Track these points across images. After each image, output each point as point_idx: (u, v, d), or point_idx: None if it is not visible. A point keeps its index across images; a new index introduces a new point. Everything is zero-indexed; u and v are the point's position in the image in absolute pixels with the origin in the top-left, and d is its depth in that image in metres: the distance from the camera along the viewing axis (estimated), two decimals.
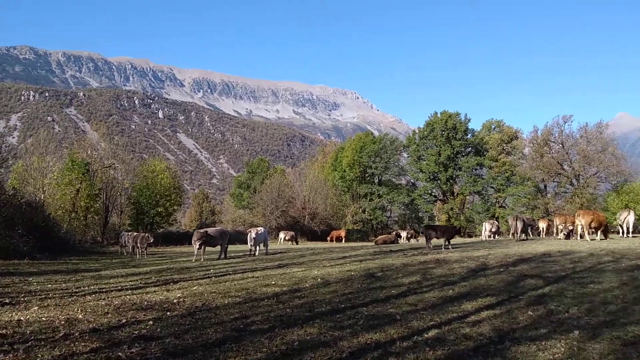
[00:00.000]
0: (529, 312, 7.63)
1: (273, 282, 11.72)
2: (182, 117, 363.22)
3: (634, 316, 7.04)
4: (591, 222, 22.81)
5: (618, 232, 27.19)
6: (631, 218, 25.36)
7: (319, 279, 11.97)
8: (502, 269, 12.43)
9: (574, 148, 52.30)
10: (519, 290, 9.54)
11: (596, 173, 51.85)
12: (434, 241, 22.37)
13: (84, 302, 9.60)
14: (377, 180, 65.26)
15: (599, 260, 13.22)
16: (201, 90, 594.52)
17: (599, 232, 23.35)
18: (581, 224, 22.93)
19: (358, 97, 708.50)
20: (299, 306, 8.84)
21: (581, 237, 23.17)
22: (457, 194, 60.65)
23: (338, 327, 7.18)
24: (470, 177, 58.96)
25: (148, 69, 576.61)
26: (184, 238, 45.01)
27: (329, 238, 47.22)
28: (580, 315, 7.31)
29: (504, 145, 59.97)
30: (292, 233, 43.26)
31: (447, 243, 21.73)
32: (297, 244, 41.22)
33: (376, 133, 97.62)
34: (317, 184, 58.34)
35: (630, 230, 25.55)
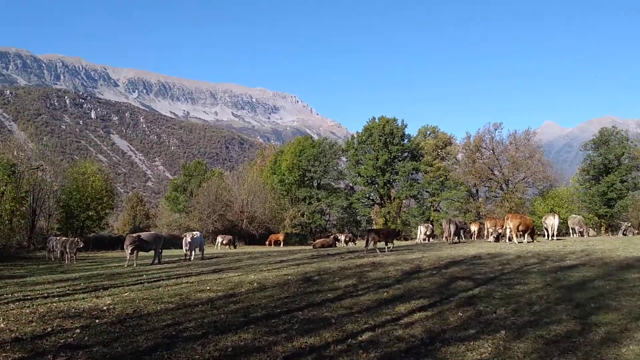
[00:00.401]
0: (459, 313, 7.86)
1: (208, 288, 11.51)
2: (116, 118, 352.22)
3: (556, 316, 7.38)
4: (519, 225, 23.78)
5: (543, 235, 28.48)
6: (555, 222, 26.65)
7: (255, 284, 11.86)
8: (435, 272, 12.74)
9: (504, 154, 54.46)
10: (450, 292, 9.81)
11: (524, 178, 54.16)
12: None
13: (7, 311, 9.12)
14: (316, 184, 65.59)
15: (525, 262, 13.79)
16: (136, 91, 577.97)
17: (526, 235, 24.37)
18: (510, 227, 23.86)
19: (298, 101, 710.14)
20: (234, 311, 8.73)
21: (509, 240, 24.10)
22: (394, 198, 61.81)
23: (273, 332, 7.14)
24: (407, 181, 60.25)
25: (80, 67, 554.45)
26: (116, 243, 43.53)
27: (267, 242, 46.93)
28: (507, 315, 7.60)
29: (439, 150, 61.74)
30: (230, 237, 42.73)
31: (388, 246, 22.23)
32: (235, 248, 40.74)
33: (315, 137, 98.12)
34: (255, 187, 57.91)
35: (555, 233, 26.82)
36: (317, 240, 38.62)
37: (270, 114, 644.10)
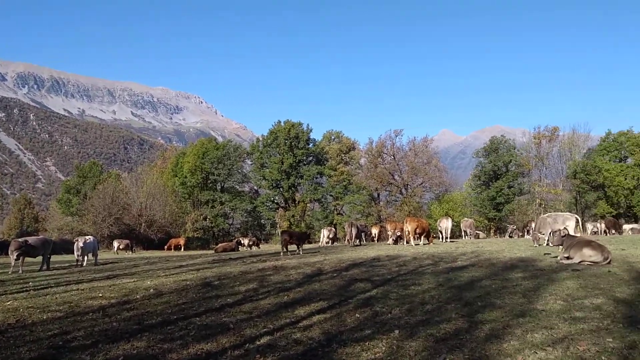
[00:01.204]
0: (357, 315, 8.02)
1: (100, 295, 10.93)
2: (3, 115, 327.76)
3: (446, 314, 7.73)
4: (417, 228, 24.76)
5: (438, 237, 29.87)
6: (449, 224, 28.09)
7: (152, 290, 11.43)
8: (335, 274, 12.94)
9: (404, 160, 56.68)
10: (349, 293, 9.99)
11: (422, 183, 56.64)
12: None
13: None
14: (220, 187, 64.56)
15: (420, 264, 14.38)
16: (26, 86, 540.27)
17: (422, 237, 25.44)
18: (408, 230, 24.79)
19: (202, 102, 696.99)
20: (127, 319, 8.35)
21: (407, 242, 25.04)
22: (299, 201, 62.22)
23: (168, 339, 6.91)
24: (311, 185, 60.86)
25: None
26: (1, 248, 40.32)
27: (166, 246, 45.50)
28: (401, 315, 7.85)
29: (343, 155, 63.09)
30: (127, 242, 41.00)
31: (299, 248, 22.92)
32: (132, 253, 39.13)
33: (220, 139, 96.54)
34: (155, 190, 55.96)
35: (449, 235, 28.23)
36: (220, 245, 38.01)
37: (172, 114, 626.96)
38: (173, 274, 14.85)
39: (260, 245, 41.37)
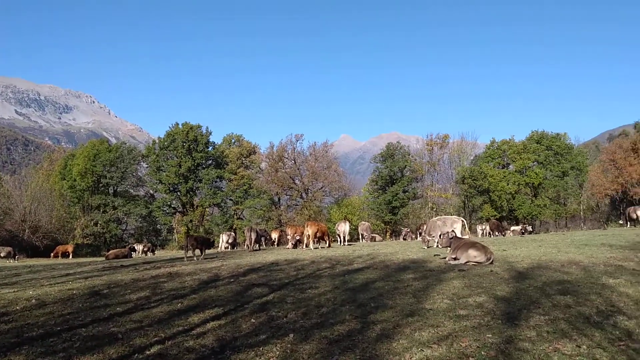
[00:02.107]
0: (252, 320, 7.95)
1: None
2: None
3: (340, 316, 7.87)
4: (317, 232, 25.08)
5: (336, 240, 30.44)
6: (347, 228, 28.70)
7: (34, 300, 10.64)
8: (232, 280, 12.76)
9: (304, 164, 57.19)
10: (245, 299, 9.89)
11: (322, 187, 57.48)
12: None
13: None
14: (113, 191, 61.58)
15: (318, 267, 14.56)
16: None
17: (321, 241, 25.82)
18: (308, 234, 25.03)
19: (94, 101, 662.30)
20: (4, 332, 7.74)
21: (306, 246, 25.28)
22: (197, 206, 60.83)
23: (50, 351, 6.49)
24: (211, 189, 59.71)
25: None
26: None
27: (53, 254, 42.65)
28: (297, 319, 7.89)
29: (243, 159, 62.55)
30: (10, 249, 37.94)
31: (202, 253, 22.87)
32: (15, 261, 36.26)
33: (113, 141, 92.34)
34: (41, 194, 52.38)
35: (347, 238, 28.84)
36: (111, 251, 36.18)
37: (61, 113, 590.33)
38: (58, 283, 13.92)
39: (155, 252, 39.93)
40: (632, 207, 36.96)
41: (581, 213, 69.82)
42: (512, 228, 40.71)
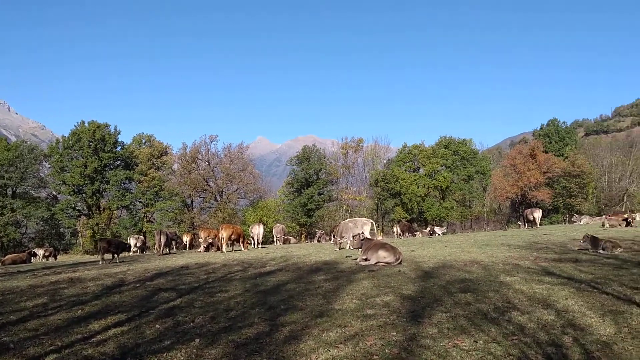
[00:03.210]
0: (157, 326, 7.68)
1: None
2: None
3: (249, 319, 7.78)
4: (231, 234, 24.71)
5: (251, 243, 30.18)
6: (261, 230, 28.54)
7: None
8: (138, 285, 12.29)
9: (219, 166, 56.36)
10: (151, 304, 9.54)
11: (237, 190, 56.89)
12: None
13: None
14: (11, 192, 57.43)
15: (230, 270, 14.35)
16: None
17: (236, 244, 25.49)
18: (223, 237, 24.61)
19: None
20: None
21: (218, 248, 24.87)
22: (104, 208, 58.15)
23: None
24: (119, 191, 57.26)
25: None
26: None
27: None
28: (204, 323, 7.71)
29: (154, 160, 60.63)
30: None
31: (115, 257, 22.26)
32: None
33: (13, 139, 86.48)
34: None
35: (260, 241, 28.68)
36: (7, 256, 33.76)
37: None
38: None
39: (57, 257, 37.73)
40: (530, 209, 39.52)
41: (485, 215, 73.81)
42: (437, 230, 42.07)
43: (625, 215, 33.32)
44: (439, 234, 38.64)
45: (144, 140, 63.57)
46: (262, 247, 27.66)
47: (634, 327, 6.40)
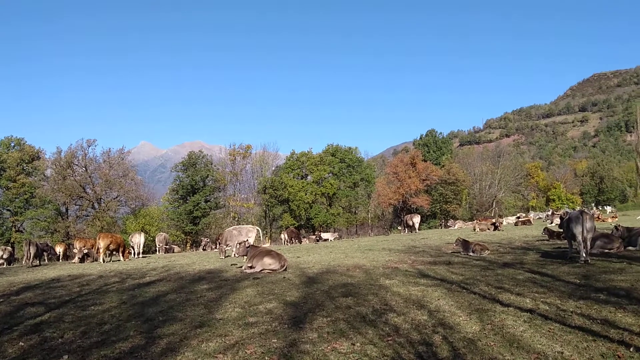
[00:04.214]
0: (21, 343, 7.08)
1: None
2: None
3: (124, 333, 7.40)
4: (110, 244, 23.39)
5: (131, 253, 28.83)
6: (142, 239, 27.38)
7: None
8: (2, 299, 11.26)
9: (97, 172, 53.36)
10: (16, 320, 8.78)
11: (117, 197, 54.21)
12: None
13: None
14: None
15: (106, 282, 13.58)
16: None
17: (115, 254, 24.19)
18: (100, 247, 23.25)
19: None
20: None
21: (96, 259, 23.51)
22: None
23: None
24: None
25: None
26: None
27: None
28: (74, 339, 7.21)
29: (25, 165, 56.02)
30: None
31: None
32: None
33: None
34: None
35: (141, 250, 27.50)
36: None
37: None
38: None
39: None
40: (409, 215, 41.55)
41: (369, 221, 76.44)
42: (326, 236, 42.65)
43: (494, 220, 36.15)
44: (330, 240, 39.56)
45: (12, 144, 58.48)
46: (143, 257, 26.54)
47: (497, 324, 6.89)
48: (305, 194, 59.88)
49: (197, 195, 57.25)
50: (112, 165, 54.08)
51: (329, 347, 6.13)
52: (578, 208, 45.61)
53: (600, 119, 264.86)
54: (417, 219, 39.87)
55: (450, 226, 47.96)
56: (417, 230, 39.35)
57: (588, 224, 12.56)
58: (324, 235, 43.21)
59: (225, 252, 21.03)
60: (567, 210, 16.07)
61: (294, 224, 57.79)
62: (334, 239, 41.13)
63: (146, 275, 14.88)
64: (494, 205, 75.03)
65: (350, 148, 66.47)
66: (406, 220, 40.85)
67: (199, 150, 63.49)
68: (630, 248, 14.96)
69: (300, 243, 36.26)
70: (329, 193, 61.96)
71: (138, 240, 27.15)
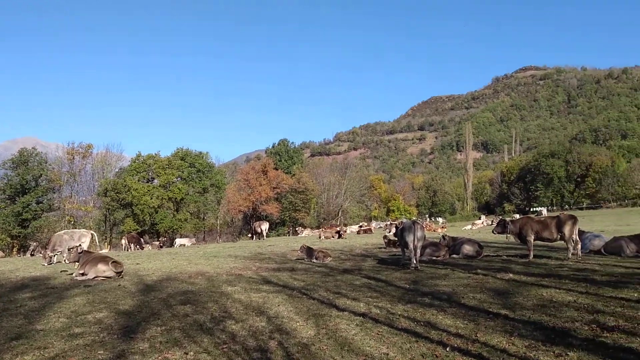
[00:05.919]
0: None
1: None
2: None
3: None
4: None
5: None
6: None
7: None
8: None
9: None
10: None
11: None
12: None
13: None
14: None
15: None
16: None
17: None
18: None
19: None
20: None
21: None
22: None
23: None
24: None
25: None
26: None
27: None
28: None
29: None
30: None
31: None
32: None
33: None
34: None
35: None
36: None
37: None
38: None
39: None
40: (258, 222, 41.84)
41: (218, 227, 75.42)
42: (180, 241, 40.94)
43: (338, 228, 37.67)
44: (187, 245, 38.38)
45: None
46: None
47: (331, 328, 7.13)
48: (151, 198, 57.31)
49: (27, 196, 52.00)
50: None
51: (159, 358, 5.87)
52: (414, 218, 49.37)
53: (436, 137, 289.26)
54: (265, 226, 40.20)
55: (299, 233, 49.09)
56: (265, 237, 39.64)
57: (419, 233, 13.57)
58: (181, 241, 41.84)
59: (51, 259, 19.32)
60: (403, 220, 17.26)
61: (137, 229, 55.02)
62: (192, 244, 40.00)
63: None
64: (340, 214, 78.25)
65: (201, 153, 65.12)
66: (255, 227, 41.01)
67: (33, 147, 57.89)
68: (454, 256, 16.41)
69: (142, 249, 34.62)
70: (176, 198, 59.96)
71: None
